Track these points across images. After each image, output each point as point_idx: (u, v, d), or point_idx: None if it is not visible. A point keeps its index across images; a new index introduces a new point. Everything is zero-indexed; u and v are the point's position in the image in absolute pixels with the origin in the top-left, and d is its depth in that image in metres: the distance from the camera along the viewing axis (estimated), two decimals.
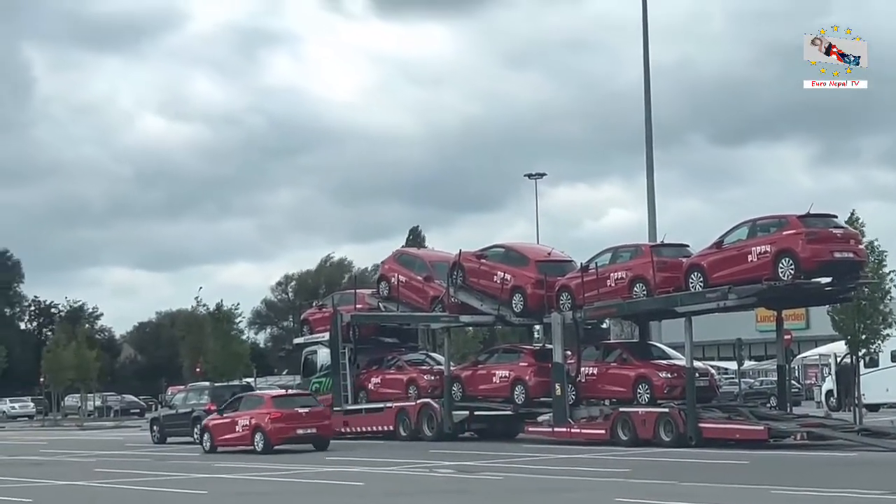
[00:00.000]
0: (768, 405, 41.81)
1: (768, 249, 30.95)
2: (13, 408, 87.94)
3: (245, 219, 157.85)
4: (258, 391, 45.28)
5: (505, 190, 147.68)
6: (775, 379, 41.17)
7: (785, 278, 30.69)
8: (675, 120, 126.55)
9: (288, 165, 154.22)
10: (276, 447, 35.30)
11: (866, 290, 34.52)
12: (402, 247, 61.17)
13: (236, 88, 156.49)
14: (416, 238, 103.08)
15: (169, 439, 43.55)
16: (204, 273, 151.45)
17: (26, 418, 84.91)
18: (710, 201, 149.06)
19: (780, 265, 30.67)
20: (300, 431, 35.96)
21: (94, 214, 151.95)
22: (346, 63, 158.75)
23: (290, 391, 42.68)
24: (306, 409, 36.58)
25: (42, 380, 78.07)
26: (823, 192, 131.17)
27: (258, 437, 35.76)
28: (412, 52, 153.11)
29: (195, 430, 41.74)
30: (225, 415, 37.59)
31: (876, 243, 35.26)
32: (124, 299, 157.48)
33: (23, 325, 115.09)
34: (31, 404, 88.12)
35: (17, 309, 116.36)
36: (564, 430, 35.06)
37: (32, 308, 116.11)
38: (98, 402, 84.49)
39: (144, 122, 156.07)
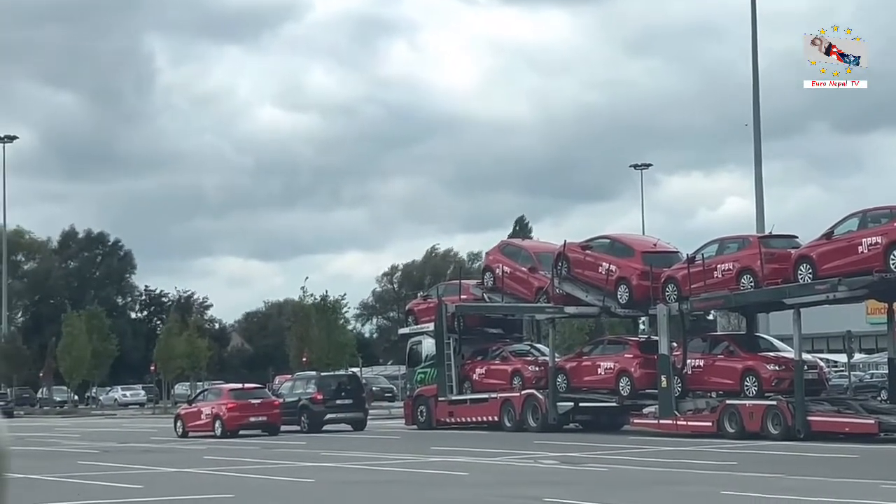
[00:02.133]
0: (879, 398, 41.16)
1: (879, 241, 30.44)
2: (125, 395, 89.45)
3: (358, 208, 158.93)
4: (219, 385, 50.10)
5: (620, 179, 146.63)
6: (886, 372, 40.48)
7: None
8: (799, 108, 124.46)
9: (402, 155, 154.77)
10: (233, 432, 40.23)
11: None
12: (508, 237, 61.30)
13: (353, 78, 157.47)
14: (521, 228, 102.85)
15: None
16: (315, 263, 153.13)
17: (137, 406, 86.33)
18: (831, 189, 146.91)
19: (892, 256, 30.15)
20: (252, 419, 41.10)
21: (211, 204, 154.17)
22: (466, 51, 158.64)
23: (245, 385, 45.99)
24: (258, 401, 41.89)
25: (153, 368, 79.34)
26: None
27: (217, 423, 40.96)
28: (533, 39, 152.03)
29: (302, 418, 42.79)
30: (193, 405, 43.52)
31: None
32: (236, 289, 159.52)
33: (133, 315, 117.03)
34: (142, 392, 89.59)
35: (129, 299, 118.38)
36: (670, 422, 34.83)
37: (143, 298, 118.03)
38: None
39: (262, 112, 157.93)
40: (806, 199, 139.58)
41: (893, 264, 30.16)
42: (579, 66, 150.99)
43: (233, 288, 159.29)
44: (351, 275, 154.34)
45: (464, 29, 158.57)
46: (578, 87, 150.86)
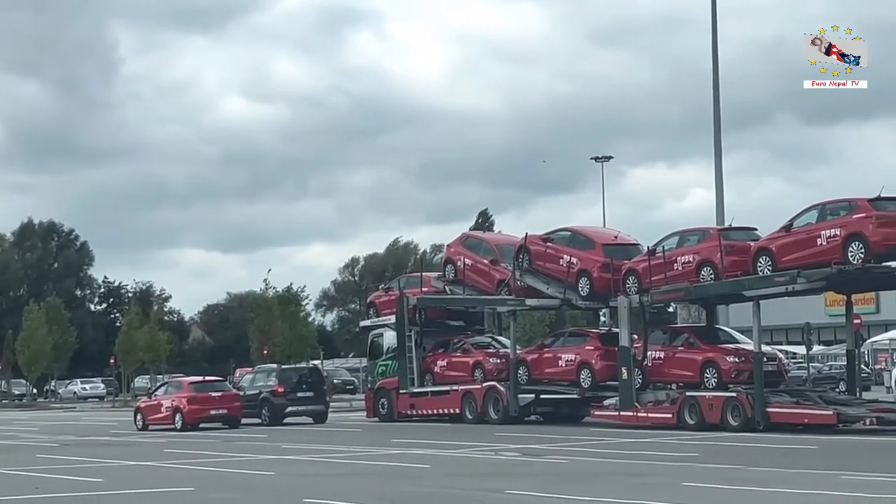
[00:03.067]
0: (837, 390, 41.50)
1: (838, 233, 30.62)
2: (84, 389, 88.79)
3: (323, 200, 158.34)
4: (179, 378, 50.42)
5: (586, 171, 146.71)
6: (844, 364, 40.84)
7: (855, 262, 30.36)
8: (768, 100, 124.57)
9: (368, 146, 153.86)
10: (193, 425, 39.92)
11: None
12: (471, 230, 61.40)
13: (320, 68, 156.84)
14: (485, 221, 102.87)
15: None
16: (280, 255, 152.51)
17: (97, 399, 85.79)
18: (795, 182, 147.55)
19: (850, 249, 30.33)
20: (213, 412, 40.76)
21: (175, 195, 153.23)
22: (433, 41, 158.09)
23: (206, 378, 46.30)
24: (219, 394, 41.65)
25: (113, 361, 78.89)
26: None
27: (177, 416, 40.64)
28: (501, 30, 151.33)
29: (263, 411, 42.67)
30: (153, 398, 43.54)
31: None
32: (199, 281, 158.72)
33: (92, 307, 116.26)
34: (102, 385, 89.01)
35: (88, 291, 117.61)
36: (631, 414, 34.94)
37: (101, 290, 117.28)
38: None
39: (228, 102, 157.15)
40: (770, 191, 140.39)
41: (852, 256, 30.37)
42: (548, 58, 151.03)
43: (196, 280, 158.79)
44: (316, 267, 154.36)
45: (431, 19, 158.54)
46: (547, 78, 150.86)
